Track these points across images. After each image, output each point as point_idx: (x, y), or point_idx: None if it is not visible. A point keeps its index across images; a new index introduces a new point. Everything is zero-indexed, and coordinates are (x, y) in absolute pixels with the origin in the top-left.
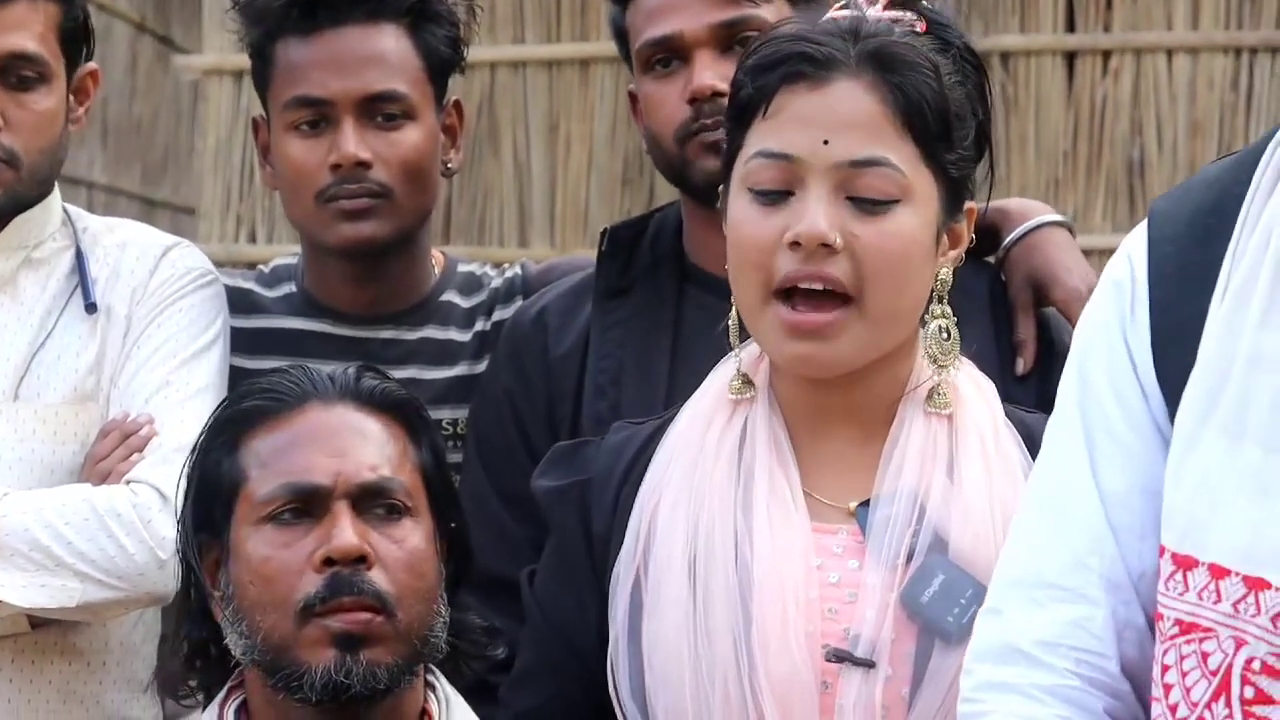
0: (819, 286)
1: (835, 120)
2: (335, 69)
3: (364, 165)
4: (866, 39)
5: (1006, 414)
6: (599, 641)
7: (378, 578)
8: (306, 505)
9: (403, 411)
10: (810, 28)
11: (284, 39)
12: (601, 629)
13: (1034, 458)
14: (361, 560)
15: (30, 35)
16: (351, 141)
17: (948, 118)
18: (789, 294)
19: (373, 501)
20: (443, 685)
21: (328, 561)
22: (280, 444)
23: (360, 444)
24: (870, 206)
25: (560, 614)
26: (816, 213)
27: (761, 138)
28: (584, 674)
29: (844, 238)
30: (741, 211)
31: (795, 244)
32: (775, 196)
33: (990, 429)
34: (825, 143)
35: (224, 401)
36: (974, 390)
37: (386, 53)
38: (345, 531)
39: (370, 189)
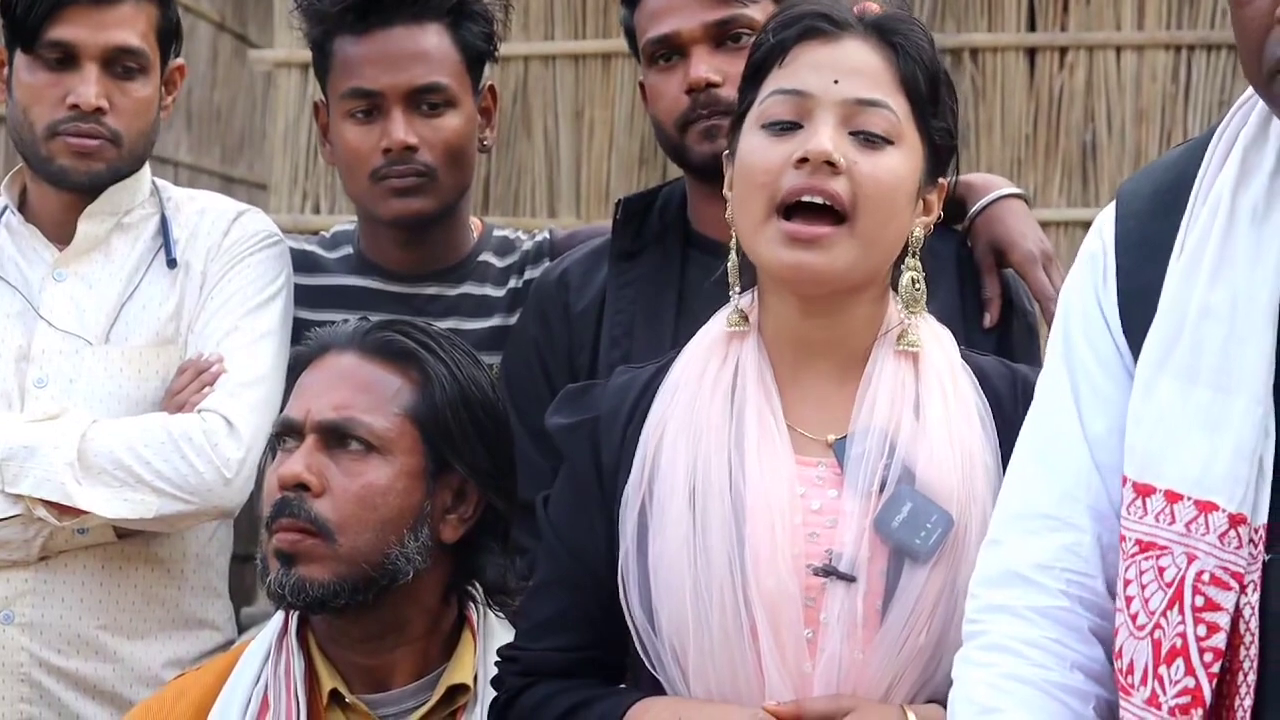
0: (820, 200)
1: (845, 67)
2: (385, 65)
3: (411, 149)
4: (873, 15)
5: (963, 357)
6: (608, 558)
7: (321, 505)
8: (291, 437)
9: (409, 361)
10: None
11: (340, 36)
12: (609, 548)
13: (988, 396)
14: (306, 488)
15: (134, 32)
16: (400, 129)
17: (937, 84)
18: (789, 213)
19: (337, 437)
20: (481, 602)
21: (281, 486)
22: (299, 384)
23: (338, 387)
24: (870, 140)
25: (574, 535)
26: (824, 135)
27: (776, 82)
28: (594, 586)
29: (845, 162)
30: (753, 141)
31: (803, 161)
32: (786, 126)
33: (948, 373)
34: (835, 82)
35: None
36: (933, 339)
37: (430, 49)
38: (291, 461)
39: (417, 169)
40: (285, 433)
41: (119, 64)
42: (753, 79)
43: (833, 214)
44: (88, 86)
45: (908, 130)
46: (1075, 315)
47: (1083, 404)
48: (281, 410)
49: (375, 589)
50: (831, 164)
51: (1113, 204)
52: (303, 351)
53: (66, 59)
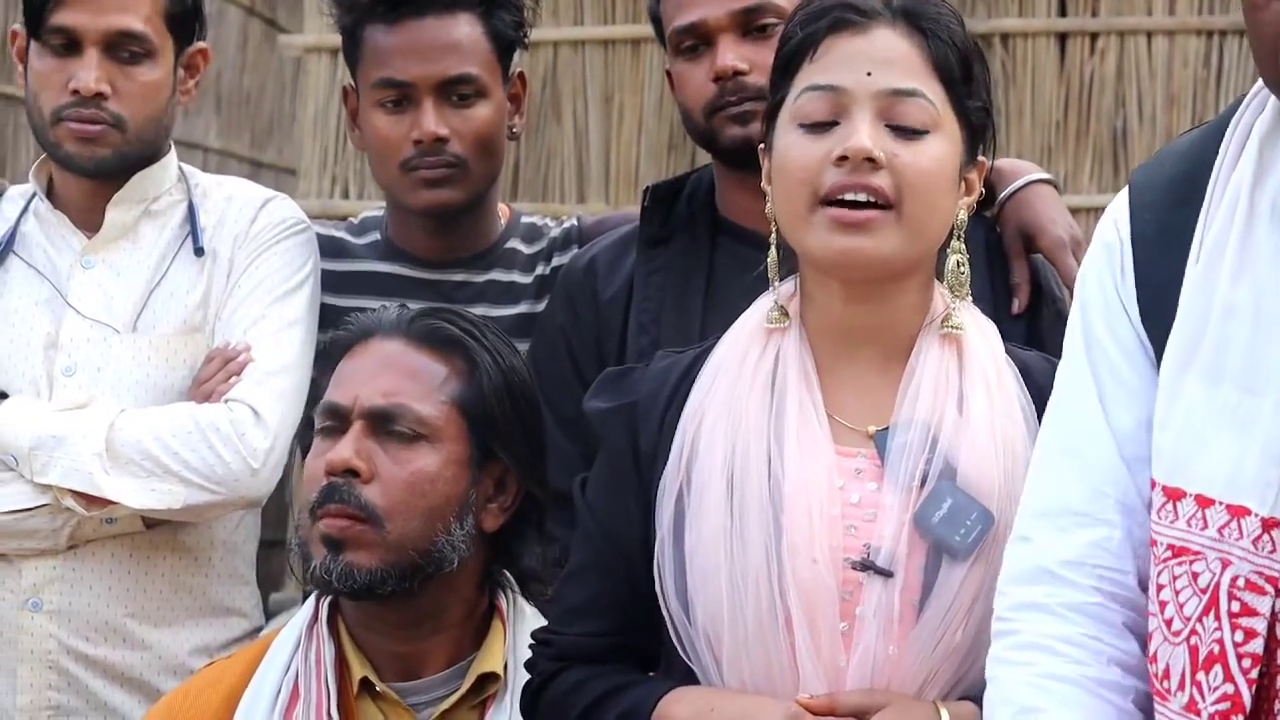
0: (864, 197)
1: (877, 58)
2: (416, 55)
3: (442, 140)
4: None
5: (1006, 352)
6: (643, 544)
7: (371, 491)
8: (336, 422)
9: (455, 349)
10: None
11: (372, 25)
12: (645, 533)
13: (1031, 391)
14: (355, 474)
15: (137, 17)
16: (431, 120)
17: (970, 65)
18: (833, 204)
19: (386, 424)
20: (514, 587)
21: (329, 472)
22: (342, 370)
23: (386, 374)
24: (908, 133)
25: (609, 519)
26: (862, 131)
27: (809, 77)
28: (629, 572)
29: (885, 156)
30: (790, 140)
31: (842, 159)
32: (822, 126)
33: (992, 367)
34: (868, 74)
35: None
36: (978, 332)
37: (461, 39)
38: (342, 446)
39: (447, 160)
40: (329, 418)
41: (122, 49)
42: (784, 71)
43: (877, 206)
44: (87, 71)
45: (944, 115)
46: (1094, 307)
47: (1107, 398)
48: (312, 397)
49: (421, 576)
50: (872, 160)
51: (1125, 193)
52: (342, 337)
53: (70, 45)
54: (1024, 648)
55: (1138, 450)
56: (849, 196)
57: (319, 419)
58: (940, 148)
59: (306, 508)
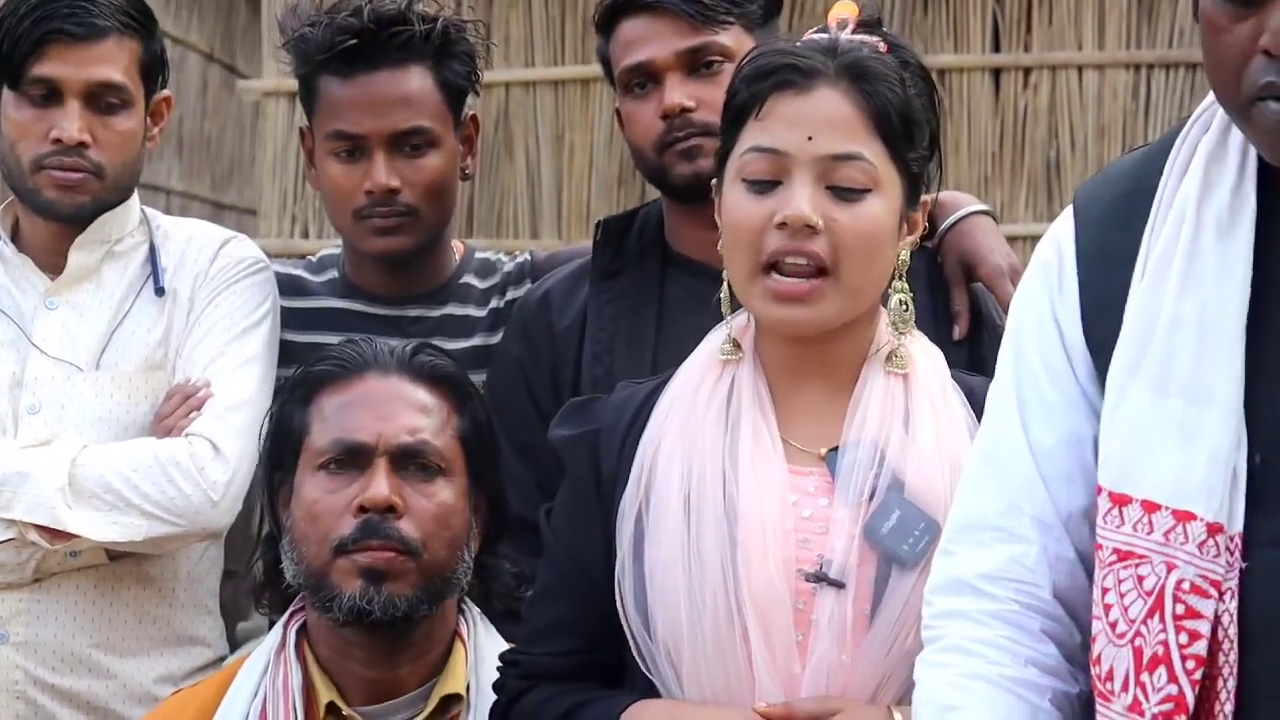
0: (803, 261)
1: (818, 121)
2: (369, 109)
3: (394, 190)
4: (843, 54)
5: (952, 376)
6: (606, 565)
7: (405, 525)
8: (353, 459)
9: (450, 385)
10: (795, 44)
11: (326, 76)
12: (608, 555)
13: (976, 414)
14: (392, 510)
15: (116, 67)
16: (383, 172)
17: (910, 121)
18: (775, 267)
19: (409, 460)
20: (472, 611)
21: (362, 509)
22: (339, 404)
23: (404, 410)
24: (847, 194)
25: (573, 543)
26: (801, 198)
27: (754, 136)
28: (593, 593)
29: (824, 220)
30: (735, 198)
31: (783, 225)
32: (765, 185)
33: (939, 389)
34: (809, 139)
35: (304, 363)
36: (924, 357)
37: (413, 92)
38: (379, 484)
39: (399, 209)
40: (346, 454)
41: (101, 99)
42: (733, 124)
43: (815, 272)
44: (70, 122)
45: (884, 172)
46: (1028, 326)
47: (1029, 416)
48: (270, 426)
49: (441, 601)
50: (810, 226)
51: (1069, 212)
52: (321, 371)
53: (50, 95)
54: (946, 650)
55: (1057, 468)
56: (790, 260)
57: (323, 454)
58: (879, 206)
59: (328, 543)
